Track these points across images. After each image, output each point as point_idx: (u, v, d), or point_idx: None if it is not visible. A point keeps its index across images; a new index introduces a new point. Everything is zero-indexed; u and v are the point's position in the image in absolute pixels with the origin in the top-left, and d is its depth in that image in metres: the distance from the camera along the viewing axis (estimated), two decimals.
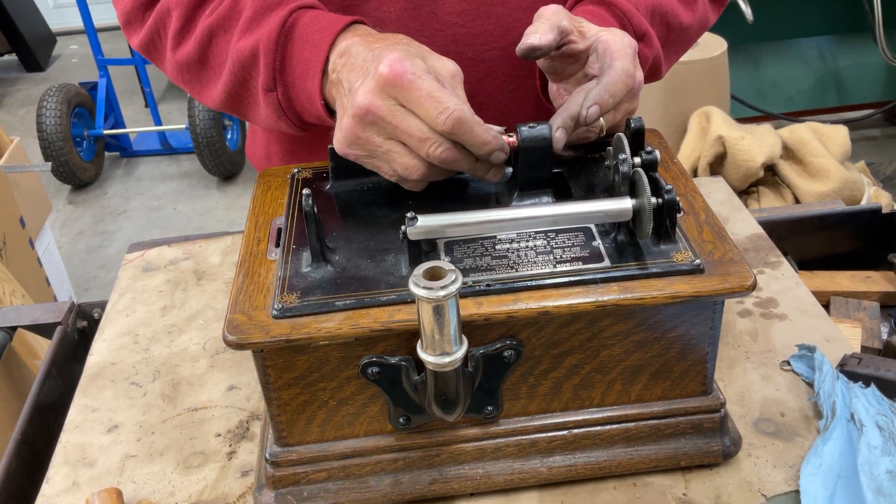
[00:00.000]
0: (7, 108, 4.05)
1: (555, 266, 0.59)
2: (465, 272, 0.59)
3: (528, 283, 0.57)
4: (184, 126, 3.17)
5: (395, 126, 0.60)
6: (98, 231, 2.98)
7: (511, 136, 0.64)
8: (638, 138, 0.65)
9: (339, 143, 0.64)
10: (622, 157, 0.61)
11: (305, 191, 0.59)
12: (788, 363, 0.76)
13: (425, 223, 0.58)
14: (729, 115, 2.15)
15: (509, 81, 0.81)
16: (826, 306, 0.99)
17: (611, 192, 0.66)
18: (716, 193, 1.01)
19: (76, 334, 0.96)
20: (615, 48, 0.66)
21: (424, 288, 0.48)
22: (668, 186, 0.58)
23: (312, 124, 0.72)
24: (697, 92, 2.20)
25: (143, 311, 0.88)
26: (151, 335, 0.85)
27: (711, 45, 2.21)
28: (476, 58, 0.80)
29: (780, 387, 0.73)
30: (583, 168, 0.71)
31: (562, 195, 0.68)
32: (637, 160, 0.62)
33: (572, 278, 0.58)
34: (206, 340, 0.83)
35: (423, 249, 0.60)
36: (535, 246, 0.61)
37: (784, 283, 0.86)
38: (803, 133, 2.05)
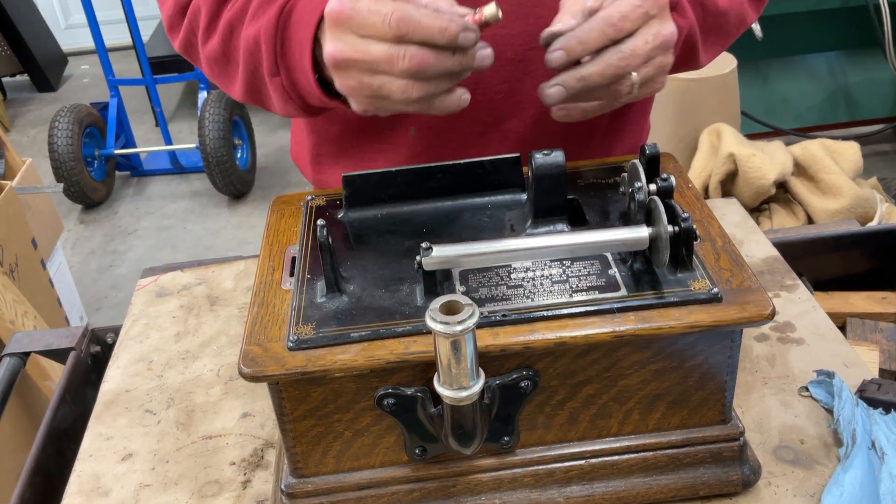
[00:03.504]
0: (19, 128, 4.07)
1: (571, 295, 0.59)
2: (480, 302, 0.59)
3: (545, 314, 0.57)
4: (194, 145, 3.18)
5: (364, 60, 0.60)
6: (109, 251, 2.99)
7: (476, 13, 0.60)
8: (653, 164, 0.65)
9: (353, 105, 0.65)
10: (638, 184, 0.61)
11: (320, 221, 0.59)
12: (807, 389, 0.75)
13: (440, 253, 0.58)
14: (739, 132, 2.15)
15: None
16: (842, 327, 0.98)
17: (626, 219, 0.66)
18: (730, 215, 1.01)
19: (89, 359, 0.96)
20: (606, 16, 0.62)
21: (441, 323, 0.48)
22: (685, 214, 0.58)
23: (319, 108, 0.72)
24: (708, 109, 2.19)
25: (156, 337, 0.88)
26: (165, 361, 0.84)
27: (721, 63, 2.21)
28: (515, 58, 0.80)
29: (799, 413, 0.72)
30: (597, 194, 0.71)
31: (577, 222, 0.68)
32: (653, 187, 0.62)
33: (589, 308, 0.57)
34: (220, 367, 0.83)
35: (438, 279, 0.60)
36: (550, 275, 0.61)
37: (800, 306, 0.86)
38: (815, 150, 2.05)
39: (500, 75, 0.80)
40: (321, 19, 0.65)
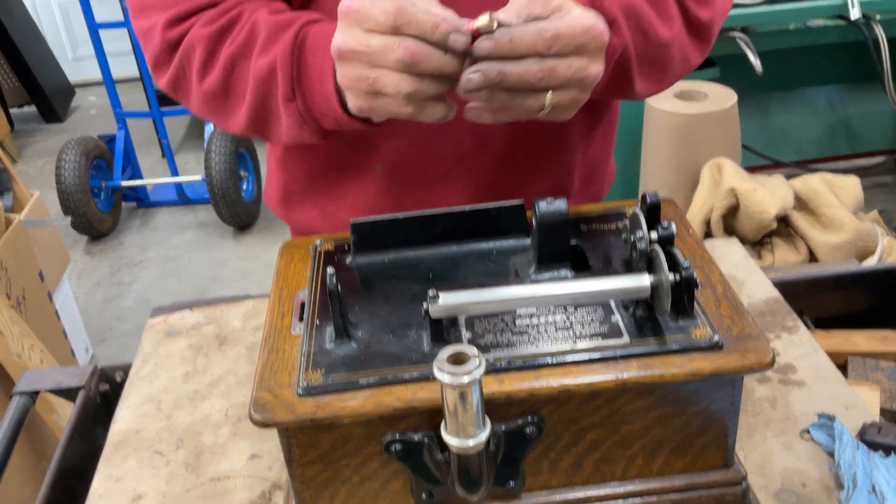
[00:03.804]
0: (26, 159, 4.12)
1: (575, 342, 0.60)
2: (486, 347, 0.60)
3: (549, 361, 0.58)
4: (200, 177, 3.21)
5: (364, 52, 0.63)
6: (114, 282, 3.01)
7: (471, 22, 0.63)
8: (654, 212, 0.66)
9: (350, 102, 0.68)
10: (639, 234, 0.62)
11: (329, 269, 0.60)
12: (808, 432, 0.76)
13: (447, 301, 0.59)
14: (741, 166, 2.17)
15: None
16: (843, 366, 0.99)
17: (628, 267, 0.67)
18: (731, 256, 1.02)
19: (98, 397, 0.97)
20: (568, 17, 0.64)
21: (449, 374, 0.49)
22: (686, 263, 0.59)
23: (332, 131, 0.75)
24: (709, 143, 2.22)
25: (165, 377, 0.89)
26: (174, 402, 0.86)
27: (721, 98, 2.24)
28: None
29: (800, 456, 0.73)
30: (599, 239, 0.72)
31: (580, 267, 0.69)
32: (654, 235, 0.63)
33: (592, 355, 0.58)
34: (228, 407, 0.84)
35: (444, 325, 0.61)
36: (554, 321, 0.62)
37: (801, 348, 0.87)
38: (815, 184, 2.07)
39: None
40: None
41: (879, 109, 2.97)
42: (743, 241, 2.09)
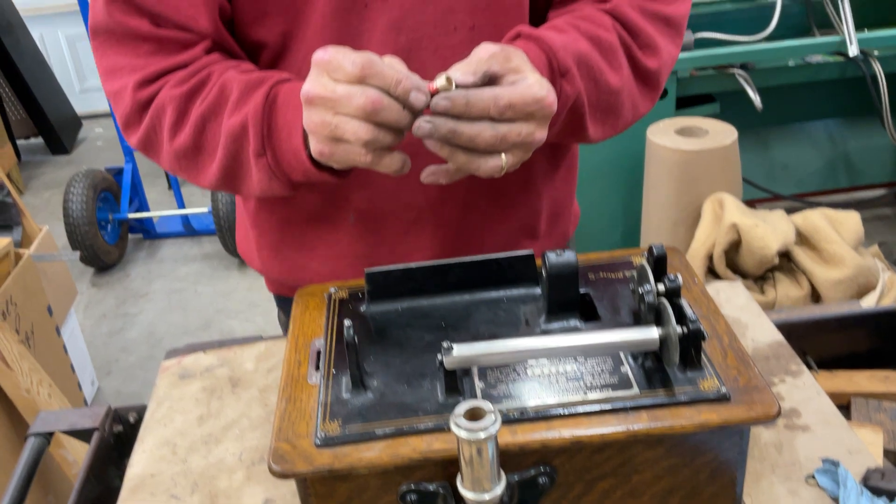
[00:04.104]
0: (33, 191, 4.15)
1: (586, 393, 0.62)
2: (498, 398, 0.62)
3: (561, 412, 0.60)
4: (207, 209, 3.24)
5: (329, 98, 0.67)
6: (120, 314, 3.02)
7: (435, 83, 0.67)
8: (661, 264, 0.68)
9: (312, 146, 0.71)
10: (647, 287, 0.64)
11: (346, 322, 0.62)
12: (814, 477, 0.77)
13: (461, 353, 0.61)
14: (741, 201, 2.19)
15: None
16: (846, 406, 1.00)
17: (637, 317, 0.69)
18: (735, 299, 1.04)
19: (112, 438, 0.99)
20: (516, 90, 0.68)
21: (466, 429, 0.51)
22: (693, 316, 0.61)
23: (300, 183, 0.79)
24: (710, 179, 2.24)
25: (180, 421, 0.91)
26: (189, 445, 0.87)
27: (722, 134, 2.27)
28: None
29: (806, 502, 0.74)
30: (607, 288, 0.74)
31: (588, 317, 0.71)
32: (661, 287, 0.65)
33: (603, 406, 0.60)
34: (242, 451, 0.86)
35: (458, 375, 0.63)
36: (565, 371, 0.64)
37: (805, 392, 0.88)
38: (816, 219, 2.09)
39: (434, 159, 0.85)
40: None
41: (878, 143, 3.00)
42: (745, 276, 2.11)
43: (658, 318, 0.63)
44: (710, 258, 2.09)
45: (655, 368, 0.63)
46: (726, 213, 2.08)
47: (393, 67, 0.67)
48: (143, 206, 3.47)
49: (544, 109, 0.69)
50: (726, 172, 2.30)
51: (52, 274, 2.26)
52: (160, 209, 3.66)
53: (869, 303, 2.01)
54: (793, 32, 2.72)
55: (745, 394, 0.61)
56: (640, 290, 0.65)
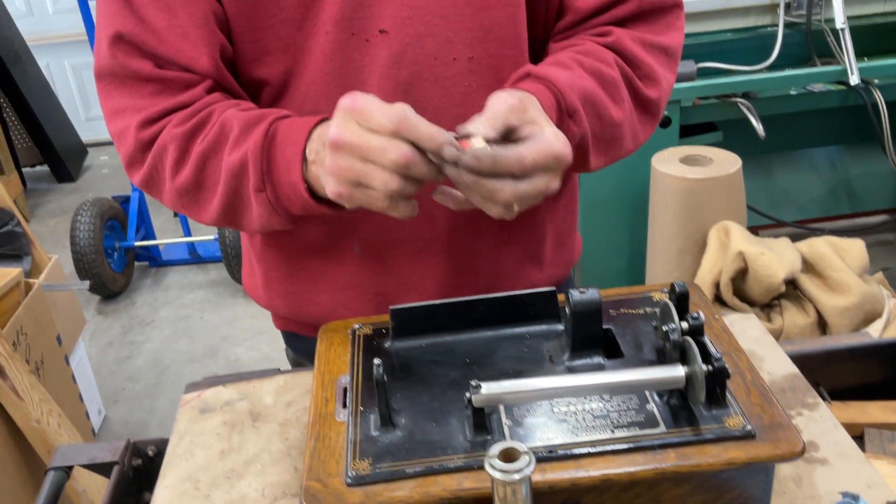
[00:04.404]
0: (38, 219, 4.17)
1: (613, 431, 0.62)
2: (526, 436, 0.63)
3: (590, 450, 0.61)
4: (213, 236, 3.25)
5: (361, 146, 0.68)
6: (127, 342, 3.03)
7: (465, 139, 0.70)
8: (683, 301, 0.69)
9: (330, 187, 0.72)
10: (672, 326, 0.65)
11: (376, 360, 0.63)
12: None
13: (489, 391, 0.62)
14: (745, 228, 2.21)
15: None
16: (859, 437, 1.01)
17: (660, 354, 0.70)
18: (749, 331, 1.04)
19: (131, 472, 0.99)
20: (535, 146, 0.70)
21: (500, 471, 0.52)
22: (718, 354, 0.62)
23: (299, 216, 0.81)
24: (715, 207, 2.26)
25: (202, 455, 0.91)
26: (211, 481, 0.87)
27: (727, 163, 2.29)
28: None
29: None
30: (628, 325, 0.75)
31: (611, 353, 0.72)
32: (684, 325, 0.66)
33: (631, 445, 0.61)
34: (264, 486, 0.86)
35: (485, 412, 0.64)
36: (592, 409, 0.65)
37: (822, 425, 0.89)
38: (821, 247, 2.10)
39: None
40: (307, 138, 0.75)
41: (879, 169, 3.02)
42: (752, 303, 2.12)
43: (683, 357, 0.64)
44: (717, 286, 2.10)
45: (681, 406, 0.64)
46: (732, 242, 2.09)
47: (426, 122, 0.68)
48: (150, 234, 3.49)
49: (562, 163, 0.71)
50: (731, 200, 2.31)
51: (60, 303, 2.27)
52: (166, 236, 3.68)
53: (876, 330, 2.02)
54: (794, 62, 2.75)
55: (769, 431, 0.62)
56: (665, 327, 0.66)
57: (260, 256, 1.01)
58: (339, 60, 0.83)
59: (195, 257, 3.49)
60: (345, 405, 0.69)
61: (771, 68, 2.63)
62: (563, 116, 0.79)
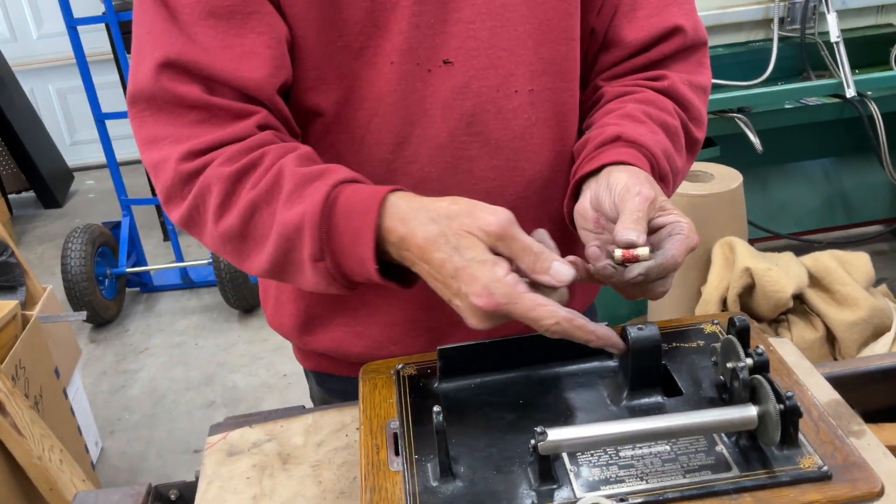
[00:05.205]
0: (26, 246, 4.10)
1: (684, 476, 0.60)
2: (594, 484, 0.60)
3: (662, 497, 0.58)
4: (206, 261, 3.21)
5: (512, 313, 0.66)
6: (120, 370, 2.97)
7: (631, 250, 0.70)
8: (744, 337, 0.67)
9: (471, 322, 0.69)
10: (740, 364, 0.63)
11: (436, 408, 0.61)
12: None
13: (556, 438, 0.59)
14: (746, 242, 2.20)
15: (533, 225, 0.85)
16: None
17: (720, 391, 0.68)
18: (786, 357, 1.02)
19: None
20: (685, 244, 0.71)
21: None
22: (789, 393, 0.60)
23: (362, 283, 0.75)
24: (717, 222, 2.26)
25: (233, 502, 0.88)
26: None
27: (728, 179, 2.29)
28: (505, 206, 0.85)
29: None
30: (683, 360, 0.73)
31: (670, 391, 0.70)
32: (749, 361, 0.64)
33: (705, 490, 0.59)
34: None
35: (550, 458, 0.61)
36: (659, 452, 0.62)
37: (871, 453, 0.87)
38: (826, 261, 2.10)
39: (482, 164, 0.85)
40: (379, 210, 0.70)
41: (875, 180, 3.04)
42: (759, 319, 2.11)
43: (753, 396, 0.61)
44: (725, 303, 2.09)
45: (751, 447, 0.62)
46: (738, 258, 2.09)
47: (584, 328, 0.66)
48: (141, 260, 3.43)
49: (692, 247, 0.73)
50: (733, 215, 2.31)
51: (56, 334, 2.22)
52: (157, 261, 3.62)
53: (885, 345, 2.01)
54: (788, 75, 2.76)
55: (845, 471, 0.60)
56: (731, 365, 0.64)
57: (300, 294, 0.95)
58: (403, 91, 0.80)
59: (187, 282, 3.44)
60: (397, 452, 0.66)
61: (766, 83, 2.63)
62: (656, 181, 0.79)
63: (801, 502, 0.58)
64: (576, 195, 0.82)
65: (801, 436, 0.62)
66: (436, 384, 0.73)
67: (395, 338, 0.91)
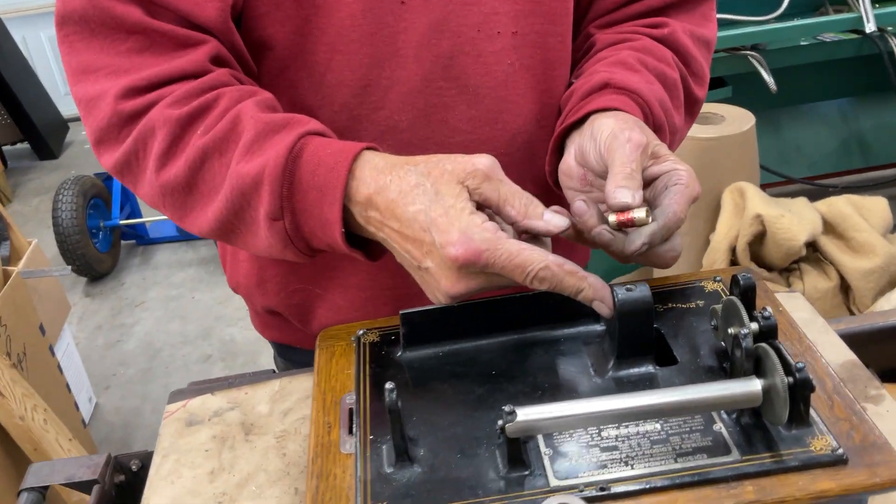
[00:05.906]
0: (21, 198, 4.03)
1: (675, 460, 0.52)
2: (571, 470, 0.52)
3: (648, 486, 0.50)
4: None
5: (491, 284, 0.59)
6: (116, 324, 2.92)
7: (626, 213, 0.61)
8: (748, 297, 0.59)
9: (442, 300, 0.61)
10: (743, 331, 0.54)
11: (389, 384, 0.53)
12: None
13: (527, 418, 0.51)
14: (758, 187, 2.10)
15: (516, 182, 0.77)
16: None
17: (720, 359, 0.59)
18: (796, 312, 0.94)
19: (114, 490, 0.89)
20: (685, 195, 0.64)
21: None
22: (800, 364, 0.51)
23: (321, 250, 0.66)
24: (728, 167, 2.15)
25: (189, 477, 0.81)
26: None
27: (740, 120, 2.17)
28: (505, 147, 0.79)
29: None
30: (679, 323, 0.64)
31: (663, 359, 0.61)
32: (754, 326, 0.55)
33: (699, 477, 0.51)
34: None
35: (521, 440, 0.53)
36: (647, 432, 0.54)
37: (891, 421, 0.78)
38: (842, 207, 2.00)
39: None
40: (349, 171, 0.61)
41: (893, 121, 2.91)
42: (770, 268, 2.02)
43: (757, 367, 0.53)
44: (734, 251, 2.00)
45: (755, 425, 0.53)
46: (749, 204, 1.99)
47: (573, 274, 0.59)
48: (136, 212, 3.36)
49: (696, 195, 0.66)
50: (744, 160, 2.20)
51: (43, 290, 2.15)
52: (152, 213, 3.55)
53: None
54: (804, 10, 2.63)
55: (863, 454, 0.51)
56: (733, 331, 0.55)
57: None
58: (370, 25, 0.69)
59: (184, 234, 3.36)
60: (351, 431, 0.58)
61: (780, 18, 2.50)
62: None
63: (811, 492, 0.50)
64: (560, 151, 0.73)
65: (812, 412, 0.54)
66: (399, 353, 0.65)
67: (358, 304, 0.82)
